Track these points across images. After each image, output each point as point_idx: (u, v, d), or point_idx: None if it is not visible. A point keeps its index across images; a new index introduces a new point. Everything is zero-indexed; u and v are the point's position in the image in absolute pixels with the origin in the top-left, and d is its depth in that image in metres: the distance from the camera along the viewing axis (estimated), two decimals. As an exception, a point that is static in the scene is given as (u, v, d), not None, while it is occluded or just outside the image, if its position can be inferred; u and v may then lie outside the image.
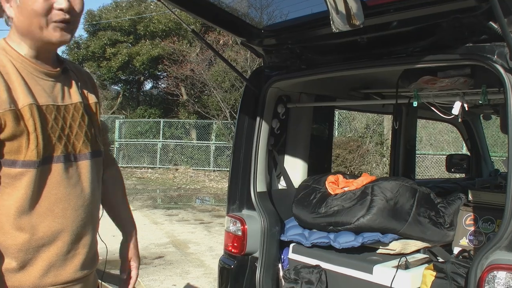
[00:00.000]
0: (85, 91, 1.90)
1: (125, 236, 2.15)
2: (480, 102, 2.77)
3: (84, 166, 1.80)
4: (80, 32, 30.19)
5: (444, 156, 6.94)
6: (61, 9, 1.65)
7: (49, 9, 1.64)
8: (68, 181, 1.73)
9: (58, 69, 1.78)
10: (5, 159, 1.61)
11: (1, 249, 1.62)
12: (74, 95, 1.82)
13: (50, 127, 1.68)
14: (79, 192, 1.76)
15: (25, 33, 1.67)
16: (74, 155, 1.76)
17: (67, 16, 1.67)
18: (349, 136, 16.56)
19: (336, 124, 17.26)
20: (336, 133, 17.04)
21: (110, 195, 2.12)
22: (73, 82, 1.84)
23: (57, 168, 1.69)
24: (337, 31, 2.46)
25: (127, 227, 2.16)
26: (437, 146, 16.04)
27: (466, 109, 2.85)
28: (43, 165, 1.65)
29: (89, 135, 1.83)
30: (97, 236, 1.93)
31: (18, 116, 1.59)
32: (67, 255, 1.74)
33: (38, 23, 1.63)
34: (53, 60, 1.79)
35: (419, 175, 14.40)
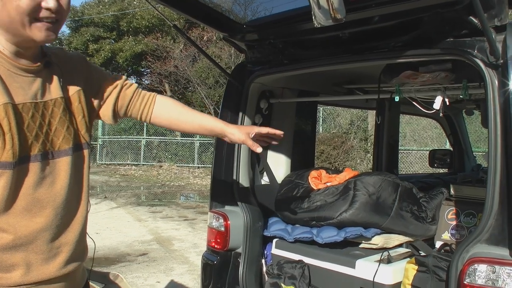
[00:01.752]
0: (70, 82, 1.83)
1: (224, 128, 2.15)
2: (461, 96, 2.78)
3: (64, 162, 1.75)
4: (63, 28, 29.94)
5: (427, 152, 6.99)
6: (48, 9, 1.60)
7: (36, 7, 1.58)
8: (45, 179, 1.69)
9: (38, 64, 1.72)
10: None
11: None
12: (54, 91, 1.76)
13: (27, 126, 1.63)
14: (58, 190, 1.72)
15: (6, 28, 1.61)
16: (52, 153, 1.72)
17: (53, 15, 1.62)
18: (333, 132, 16.63)
19: (321, 120, 17.32)
20: (321, 129, 17.10)
21: (173, 115, 2.10)
22: (55, 77, 1.78)
23: (34, 167, 1.65)
24: (319, 26, 2.46)
25: (214, 123, 2.17)
26: (421, 142, 16.17)
27: (448, 103, 2.87)
28: (20, 165, 1.60)
29: (71, 130, 1.79)
30: (86, 231, 1.90)
31: None
32: (49, 253, 1.71)
33: (21, 20, 1.57)
34: (34, 55, 1.73)
35: (403, 171, 14.51)
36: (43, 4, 1.59)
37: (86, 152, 1.87)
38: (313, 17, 2.42)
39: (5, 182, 1.58)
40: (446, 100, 2.84)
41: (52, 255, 1.72)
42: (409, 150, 15.84)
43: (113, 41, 25.09)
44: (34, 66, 1.71)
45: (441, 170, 6.17)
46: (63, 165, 1.75)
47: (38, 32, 1.61)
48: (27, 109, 1.64)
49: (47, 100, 1.72)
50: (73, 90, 1.84)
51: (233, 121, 3.32)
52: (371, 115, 15.33)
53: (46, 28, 1.62)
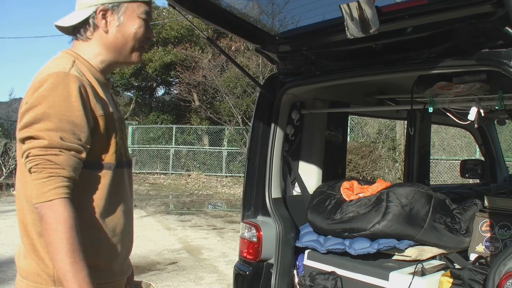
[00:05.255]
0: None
1: None
2: (496, 107, 2.75)
3: (130, 173, 1.94)
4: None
5: (456, 161, 6.90)
6: (149, 38, 1.90)
7: (144, 37, 1.87)
8: (126, 185, 1.88)
9: (109, 81, 1.95)
10: (89, 162, 1.70)
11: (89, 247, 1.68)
12: (118, 107, 1.96)
13: (120, 135, 1.84)
14: (130, 196, 1.92)
15: (114, 49, 1.84)
16: (127, 163, 1.91)
17: (149, 45, 1.84)
18: (361, 142, 16.50)
19: (348, 130, 17.19)
20: (348, 139, 16.96)
21: None
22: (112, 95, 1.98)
23: (122, 172, 1.84)
24: (352, 37, 2.47)
25: None
26: (450, 151, 15.92)
27: (482, 114, 2.84)
28: (117, 168, 1.79)
29: (126, 146, 1.96)
30: None
31: (107, 121, 1.74)
32: (128, 252, 1.93)
33: (133, 45, 1.85)
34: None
35: (432, 181, 14.31)
36: (146, 34, 1.88)
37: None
38: (346, 29, 2.44)
39: (107, 181, 1.75)
40: (481, 111, 2.81)
41: (129, 252, 1.96)
42: (438, 159, 15.61)
43: (143, 51, 25.38)
44: (109, 83, 1.93)
45: (471, 181, 6.08)
46: (130, 175, 1.95)
47: (137, 56, 1.90)
48: (117, 119, 1.85)
49: (120, 116, 1.93)
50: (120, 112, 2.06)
51: (265, 132, 3.34)
52: (399, 124, 15.19)
53: (142, 53, 1.94)
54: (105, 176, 1.75)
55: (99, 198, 1.73)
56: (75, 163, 1.63)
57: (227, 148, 21.47)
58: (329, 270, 3.14)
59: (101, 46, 1.83)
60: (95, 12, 1.79)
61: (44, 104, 1.60)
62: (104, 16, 1.80)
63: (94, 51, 1.83)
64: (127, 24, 1.82)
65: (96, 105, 1.71)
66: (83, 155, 1.65)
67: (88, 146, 1.67)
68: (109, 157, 1.76)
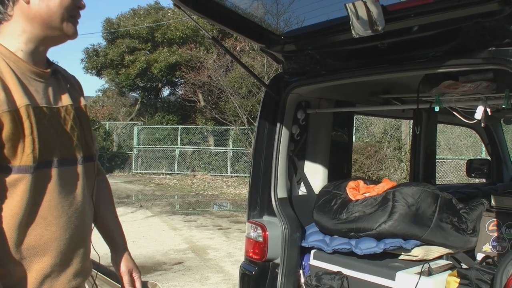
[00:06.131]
0: (75, 94, 1.83)
1: (118, 250, 2.02)
2: (503, 106, 2.73)
3: (77, 171, 1.72)
4: (99, 40, 30.51)
5: (462, 161, 6.87)
6: (80, 7, 1.69)
7: (72, 5, 1.66)
8: (62, 187, 1.64)
9: (48, 70, 1.70)
10: (0, 165, 1.51)
11: None
12: (64, 98, 1.74)
13: (46, 130, 1.59)
14: (72, 199, 1.67)
15: (40, 22, 1.62)
16: (68, 160, 1.68)
17: (80, 15, 1.71)
18: (366, 141, 16.46)
19: (354, 129, 17.15)
20: (354, 138, 16.94)
21: (98, 205, 1.97)
22: (62, 85, 1.77)
23: (51, 173, 1.60)
24: (358, 36, 2.46)
25: (119, 240, 2.04)
26: (455, 150, 15.86)
27: (489, 113, 2.82)
28: (39, 170, 1.55)
29: (81, 139, 1.75)
30: (91, 245, 1.84)
31: (15, 118, 1.50)
32: (61, 265, 1.65)
33: (62, 15, 1.63)
34: (44, 61, 1.73)
35: (438, 180, 14.25)
36: (77, 3, 1.68)
37: (95, 164, 1.85)
38: (352, 28, 2.44)
39: (24, 187, 1.53)
40: (488, 110, 2.79)
41: (64, 266, 1.67)
42: (443, 159, 15.56)
43: (148, 52, 25.41)
44: (45, 71, 1.69)
45: (477, 180, 6.05)
46: (77, 174, 1.72)
47: (71, 28, 1.68)
48: (44, 113, 1.61)
49: (59, 106, 1.70)
50: (79, 102, 1.85)
51: (271, 132, 3.34)
52: (405, 124, 15.15)
53: (76, 25, 1.70)
54: (22, 181, 1.52)
55: (16, 207, 1.52)
56: None
57: (233, 148, 21.48)
58: (335, 270, 3.14)
59: (24, 21, 1.61)
60: None
61: None
62: None
63: (17, 29, 1.61)
64: None
65: None
66: None
67: None
68: (25, 159, 1.52)
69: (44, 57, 1.73)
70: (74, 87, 1.86)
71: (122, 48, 25.04)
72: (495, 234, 3.18)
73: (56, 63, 1.87)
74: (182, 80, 24.59)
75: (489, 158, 5.72)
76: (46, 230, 1.59)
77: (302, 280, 3.32)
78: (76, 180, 1.71)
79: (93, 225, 1.88)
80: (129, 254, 2.04)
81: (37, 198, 1.57)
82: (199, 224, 10.75)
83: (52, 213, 1.60)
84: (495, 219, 3.20)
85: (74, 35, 1.71)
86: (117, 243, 2.03)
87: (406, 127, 15.15)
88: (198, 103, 22.80)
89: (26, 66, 1.62)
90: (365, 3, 2.27)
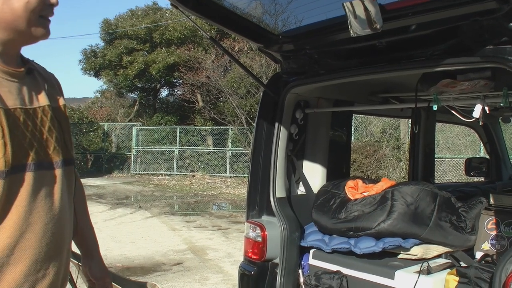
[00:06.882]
0: (54, 94, 1.72)
1: (92, 256, 1.96)
2: (501, 104, 2.73)
3: (56, 175, 1.61)
4: (97, 41, 30.55)
5: (461, 160, 6.87)
6: (52, 5, 1.58)
7: (41, 6, 1.54)
8: (38, 192, 1.53)
9: (22, 69, 1.60)
10: None
11: None
12: (41, 98, 1.63)
13: (20, 132, 1.49)
14: (50, 205, 1.57)
15: (4, 26, 1.51)
16: (45, 163, 1.57)
17: (53, 12, 1.59)
18: (365, 141, 16.48)
19: (352, 129, 17.18)
20: (353, 138, 16.96)
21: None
22: (39, 84, 1.66)
23: (26, 177, 1.50)
24: (356, 35, 2.46)
25: (93, 247, 1.97)
26: (454, 149, 15.88)
27: (487, 112, 2.82)
28: (12, 175, 1.45)
29: (59, 141, 1.65)
30: (70, 254, 1.76)
31: None
32: (36, 275, 1.53)
33: (28, 17, 1.51)
34: (17, 60, 1.62)
35: (437, 179, 14.24)
36: (47, 1, 1.56)
37: (73, 168, 1.75)
38: (350, 27, 2.43)
39: None
40: (486, 108, 2.79)
41: (40, 276, 1.55)
42: (442, 158, 15.57)
43: (146, 53, 25.41)
44: (19, 70, 1.58)
45: (476, 179, 6.05)
46: (55, 178, 1.61)
47: (42, 29, 1.57)
48: (19, 115, 1.51)
49: (35, 107, 1.60)
50: (58, 102, 1.75)
51: (269, 131, 3.34)
52: (403, 123, 15.15)
53: (47, 25, 1.59)
54: None
55: None
56: None
57: (231, 148, 21.49)
58: (335, 270, 3.14)
59: None
60: None
61: None
62: None
63: None
64: None
65: None
66: None
67: None
68: None
69: (17, 55, 1.63)
70: (53, 86, 1.75)
71: (120, 49, 25.04)
72: (494, 233, 3.18)
73: (32, 60, 1.74)
74: (181, 81, 24.61)
75: (487, 156, 5.72)
76: (20, 238, 1.49)
77: (301, 279, 3.32)
78: (54, 184, 1.60)
79: (72, 234, 1.76)
80: (102, 260, 1.99)
81: (10, 203, 1.47)
82: (198, 225, 10.75)
83: (28, 220, 1.50)
84: (493, 218, 3.20)
85: (44, 36, 1.60)
86: (91, 250, 1.97)
87: (405, 126, 15.16)
88: (197, 104, 22.80)
89: None
90: (362, 2, 2.27)
